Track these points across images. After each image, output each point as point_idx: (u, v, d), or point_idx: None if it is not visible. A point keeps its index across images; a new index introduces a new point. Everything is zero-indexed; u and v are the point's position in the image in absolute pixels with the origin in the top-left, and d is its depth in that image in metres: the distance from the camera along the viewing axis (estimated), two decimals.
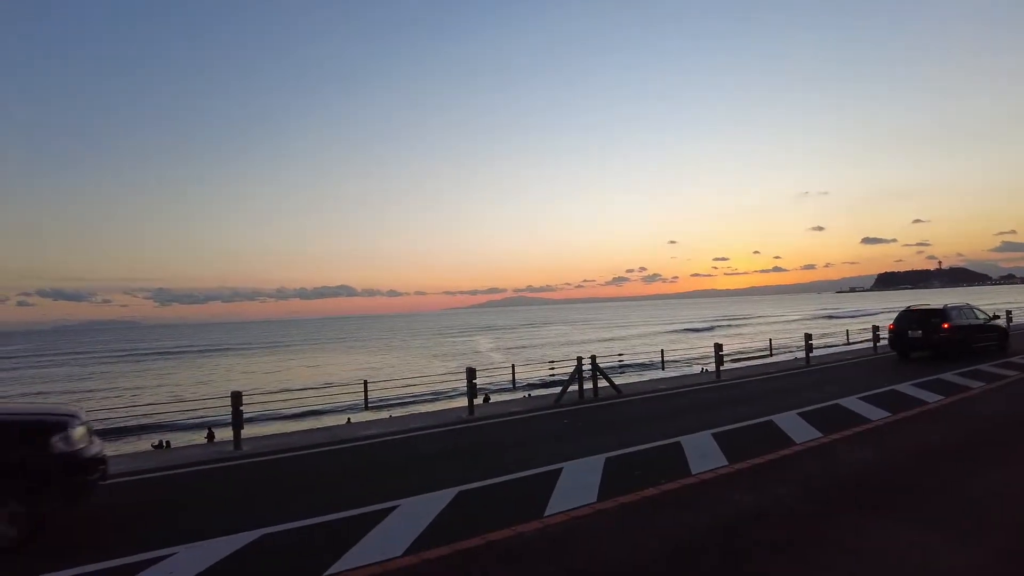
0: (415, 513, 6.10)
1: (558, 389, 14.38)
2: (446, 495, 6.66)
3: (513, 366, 24.26)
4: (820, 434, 8.97)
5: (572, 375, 14.06)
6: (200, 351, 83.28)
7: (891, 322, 19.16)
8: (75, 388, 42.31)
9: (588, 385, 14.29)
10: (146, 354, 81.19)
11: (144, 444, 19.21)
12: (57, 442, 5.61)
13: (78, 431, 5.86)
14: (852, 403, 11.43)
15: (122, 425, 22.09)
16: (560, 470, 7.51)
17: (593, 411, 12.29)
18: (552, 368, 17.93)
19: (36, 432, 5.62)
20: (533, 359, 44.61)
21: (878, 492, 6.26)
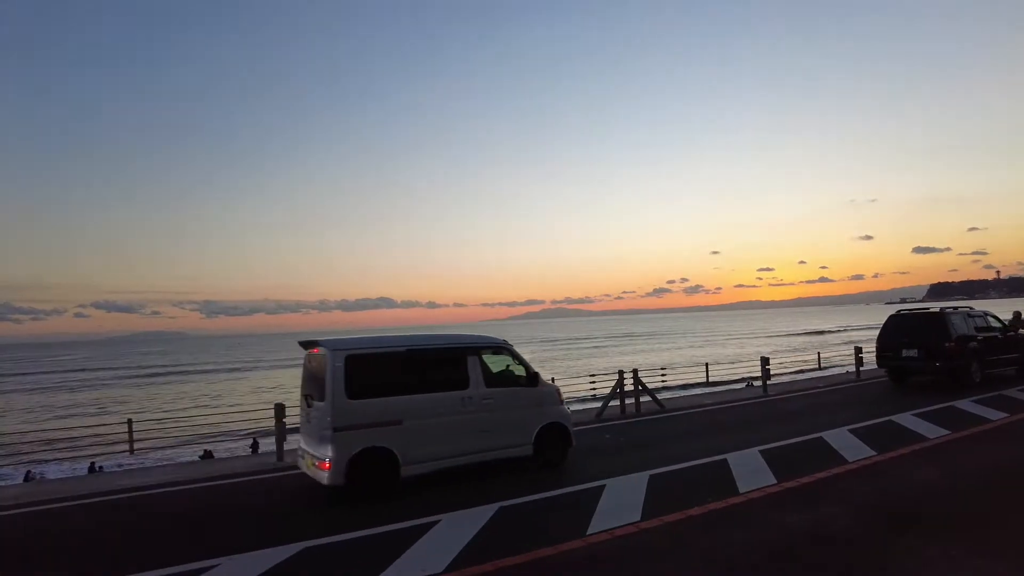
0: (456, 529, 6.02)
1: (598, 404, 14.15)
2: (487, 511, 6.56)
3: (552, 379, 23.94)
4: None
5: (613, 389, 13.82)
6: (256, 365, 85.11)
7: None
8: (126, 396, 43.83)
9: (630, 400, 14.02)
10: (191, 371, 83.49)
11: (185, 454, 19.66)
12: None
13: None
14: None
15: (171, 436, 22.68)
16: (603, 487, 7.33)
17: (636, 426, 12.05)
18: (593, 382, 17.68)
19: None
20: (569, 372, 44.22)
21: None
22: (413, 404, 7.63)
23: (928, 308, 15.94)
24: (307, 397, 7.88)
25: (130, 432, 13.26)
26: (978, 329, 15.48)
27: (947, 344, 14.50)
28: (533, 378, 8.73)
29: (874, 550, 5.10)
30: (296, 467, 9.58)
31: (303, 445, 7.96)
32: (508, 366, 8.88)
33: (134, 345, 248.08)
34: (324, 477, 7.08)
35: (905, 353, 15.26)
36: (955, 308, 15.84)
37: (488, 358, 8.61)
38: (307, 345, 8.20)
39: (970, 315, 15.73)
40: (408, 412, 7.56)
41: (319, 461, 7.21)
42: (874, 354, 16.47)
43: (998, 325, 16.30)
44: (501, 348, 8.80)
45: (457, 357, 8.24)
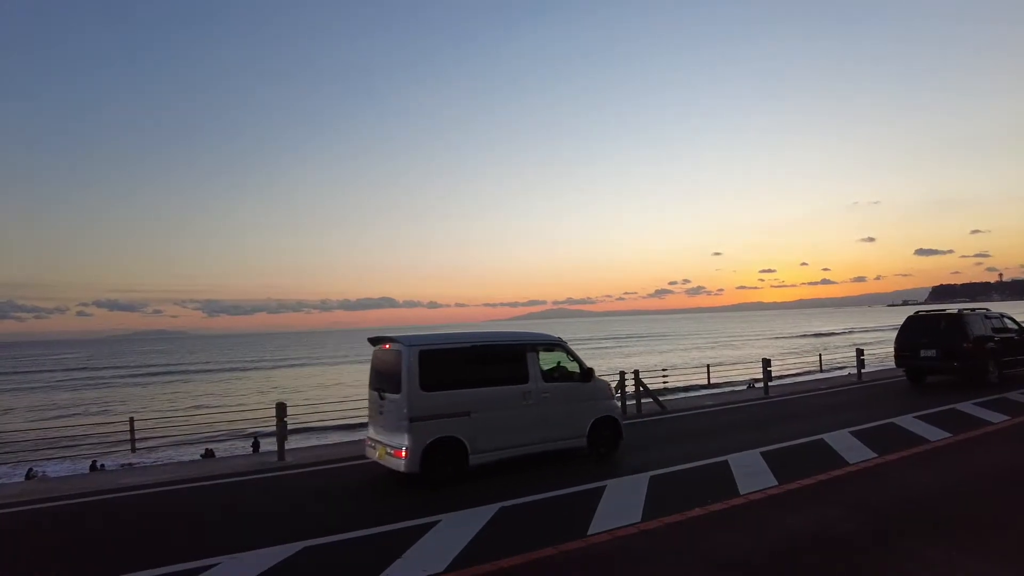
0: (456, 529, 6.02)
1: None
2: (488, 511, 6.56)
3: None
4: None
5: (614, 391, 13.79)
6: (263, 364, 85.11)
7: None
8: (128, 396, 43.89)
9: (631, 401, 14.00)
10: (189, 371, 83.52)
11: (186, 452, 19.69)
12: None
13: None
14: None
15: (172, 435, 22.74)
16: (603, 488, 7.33)
17: (637, 428, 12.02)
18: None
19: None
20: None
21: None
22: (480, 397, 8.04)
23: (945, 309, 16.26)
24: (379, 390, 8.23)
25: (132, 431, 13.28)
26: (995, 330, 15.84)
27: (965, 345, 14.84)
28: (587, 374, 9.11)
29: (875, 552, 5.09)
30: (296, 466, 9.58)
31: (374, 436, 8.31)
32: (560, 362, 9.23)
33: (136, 344, 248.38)
34: (400, 465, 7.47)
35: (923, 353, 15.59)
36: (973, 309, 16.13)
37: (544, 355, 8.98)
38: (376, 341, 8.62)
39: (987, 316, 16.10)
40: (475, 404, 7.97)
41: (395, 450, 7.60)
42: (877, 356, 16.53)
43: (1014, 327, 16.67)
44: (556, 345, 9.18)
45: (517, 353, 8.63)
